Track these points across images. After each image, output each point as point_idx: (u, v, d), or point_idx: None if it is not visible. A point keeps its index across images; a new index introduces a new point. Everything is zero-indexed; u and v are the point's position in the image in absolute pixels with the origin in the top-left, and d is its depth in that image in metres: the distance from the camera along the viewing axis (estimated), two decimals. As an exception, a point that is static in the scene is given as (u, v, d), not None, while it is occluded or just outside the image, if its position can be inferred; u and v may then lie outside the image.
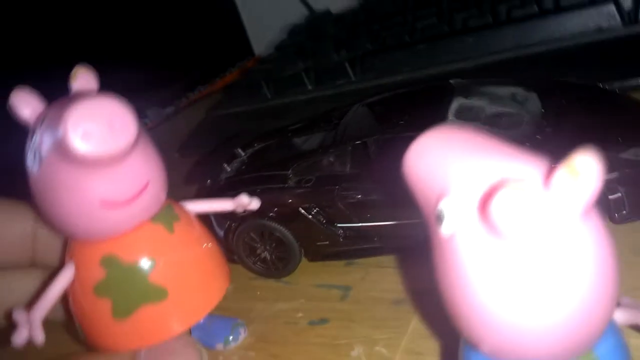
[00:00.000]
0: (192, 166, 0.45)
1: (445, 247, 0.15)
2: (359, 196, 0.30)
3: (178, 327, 0.25)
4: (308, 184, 0.31)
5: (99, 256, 0.24)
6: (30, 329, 0.24)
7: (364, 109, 0.34)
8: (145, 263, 0.25)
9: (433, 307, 0.26)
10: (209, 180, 0.36)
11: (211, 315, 0.30)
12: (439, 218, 0.15)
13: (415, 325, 0.27)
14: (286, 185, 0.32)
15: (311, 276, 0.33)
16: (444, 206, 0.15)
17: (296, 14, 0.76)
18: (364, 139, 0.31)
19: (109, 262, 0.24)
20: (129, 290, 0.24)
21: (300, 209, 0.31)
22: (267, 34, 0.78)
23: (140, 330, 0.25)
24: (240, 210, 0.29)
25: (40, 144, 0.22)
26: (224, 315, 0.30)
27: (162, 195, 0.25)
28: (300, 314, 0.30)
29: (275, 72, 0.56)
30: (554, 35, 0.43)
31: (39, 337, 0.24)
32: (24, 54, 0.56)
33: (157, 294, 0.25)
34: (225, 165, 0.36)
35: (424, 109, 0.31)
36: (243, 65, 0.78)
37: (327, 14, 0.68)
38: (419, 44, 0.49)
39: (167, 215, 0.26)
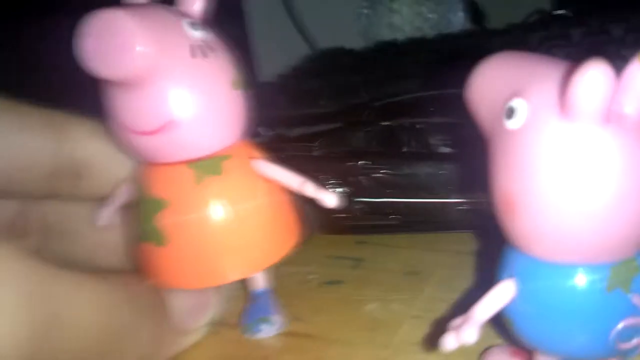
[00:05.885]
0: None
1: (512, 140, 0.16)
2: (382, 172, 0.31)
3: (171, 280, 0.23)
4: (333, 156, 0.33)
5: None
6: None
7: (388, 103, 0.36)
8: (156, 202, 0.22)
9: (448, 279, 0.27)
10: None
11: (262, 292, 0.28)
12: (510, 113, 0.17)
13: (430, 291, 0.27)
14: (311, 154, 0.33)
15: (321, 249, 0.33)
16: (515, 103, 0.16)
17: (303, 52, 0.79)
18: (394, 122, 0.32)
19: (138, 187, 0.23)
20: (139, 222, 0.23)
21: (322, 178, 0.32)
22: (273, 65, 0.81)
23: (140, 265, 0.24)
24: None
25: None
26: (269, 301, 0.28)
27: (199, 143, 0.22)
28: (312, 276, 0.31)
29: (290, 85, 0.58)
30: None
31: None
32: None
33: (157, 237, 0.22)
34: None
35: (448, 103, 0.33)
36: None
37: (339, 48, 0.72)
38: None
39: (208, 166, 0.22)
